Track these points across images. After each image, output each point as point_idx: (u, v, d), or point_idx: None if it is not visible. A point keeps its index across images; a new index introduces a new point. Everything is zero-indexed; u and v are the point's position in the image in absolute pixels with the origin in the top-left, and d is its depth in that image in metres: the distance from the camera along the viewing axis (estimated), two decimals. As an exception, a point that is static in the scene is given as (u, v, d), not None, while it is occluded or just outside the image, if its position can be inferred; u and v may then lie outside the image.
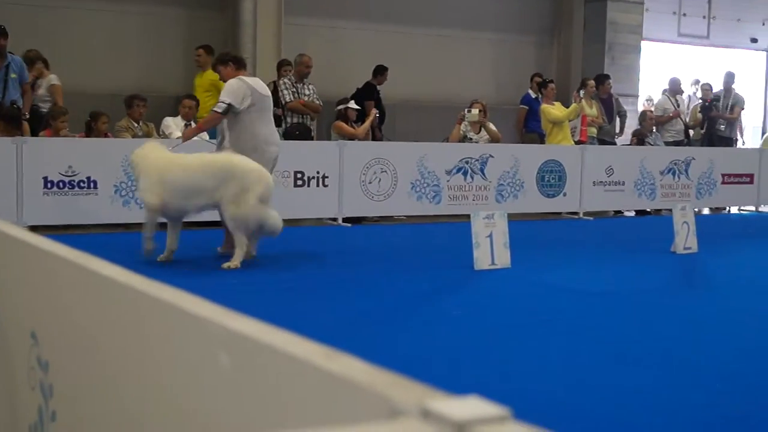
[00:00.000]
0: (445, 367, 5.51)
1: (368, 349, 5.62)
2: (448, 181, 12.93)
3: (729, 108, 17.11)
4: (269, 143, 9.19)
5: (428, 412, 1.15)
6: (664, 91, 17.14)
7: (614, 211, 14.97)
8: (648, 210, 15.12)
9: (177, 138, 10.92)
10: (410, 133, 15.25)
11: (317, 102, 13.47)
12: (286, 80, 13.33)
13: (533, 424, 1.12)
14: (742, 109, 17.49)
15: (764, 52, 21.97)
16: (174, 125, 12.24)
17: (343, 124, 13.22)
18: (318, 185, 12.15)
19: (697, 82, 17.88)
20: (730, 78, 17.37)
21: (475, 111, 13.84)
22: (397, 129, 15.55)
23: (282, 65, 13.77)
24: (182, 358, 1.73)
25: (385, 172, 12.54)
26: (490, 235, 8.99)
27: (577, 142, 14.70)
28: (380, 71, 14.64)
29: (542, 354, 5.91)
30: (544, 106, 14.48)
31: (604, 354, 5.95)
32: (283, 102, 13.09)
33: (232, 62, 9.34)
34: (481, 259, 8.90)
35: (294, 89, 13.24)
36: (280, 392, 1.44)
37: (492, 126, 13.90)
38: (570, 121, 14.54)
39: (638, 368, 5.61)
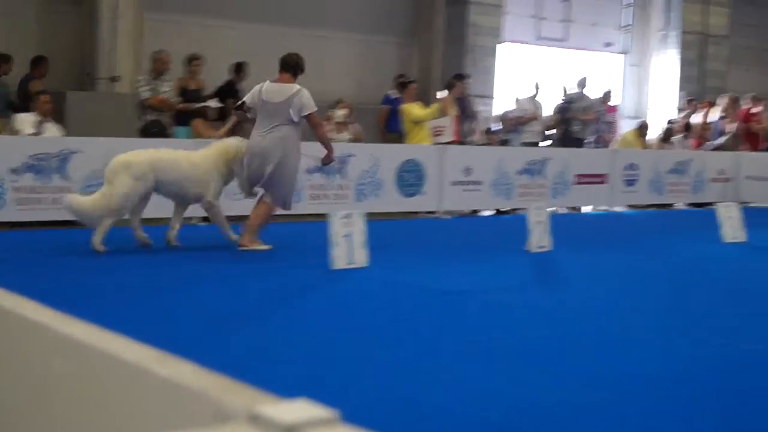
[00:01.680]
0: (299, 368, 5.51)
1: (217, 351, 5.61)
2: (308, 180, 12.92)
3: (584, 110, 17.52)
4: (253, 139, 10.03)
5: (256, 416, 1.16)
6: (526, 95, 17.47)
7: (472, 210, 15.19)
8: (505, 209, 15.38)
9: (30, 134, 10.75)
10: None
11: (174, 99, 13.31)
12: (143, 77, 13.14)
13: (373, 424, 1.14)
14: (596, 111, 17.94)
15: (621, 55, 22.57)
16: (27, 121, 11.91)
17: (200, 124, 13.06)
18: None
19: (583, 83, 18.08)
20: (583, 81, 17.80)
21: (342, 111, 13.89)
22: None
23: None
24: (17, 363, 1.71)
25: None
26: (349, 235, 9.02)
27: (448, 143, 14.89)
28: (241, 68, 14.53)
29: (398, 353, 5.95)
30: (406, 106, 14.61)
31: (458, 352, 6.03)
32: (141, 99, 12.90)
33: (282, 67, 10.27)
34: (339, 259, 8.92)
35: (152, 86, 13.04)
36: (111, 397, 1.43)
37: (357, 126, 13.98)
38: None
39: (491, 365, 5.70)
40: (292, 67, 10.21)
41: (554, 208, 15.61)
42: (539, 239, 10.67)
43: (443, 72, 18.17)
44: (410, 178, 13.97)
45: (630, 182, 16.74)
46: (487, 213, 15.34)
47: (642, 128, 18.08)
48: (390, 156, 13.82)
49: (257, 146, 9.93)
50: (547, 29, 20.91)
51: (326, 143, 10.46)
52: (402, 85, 15.19)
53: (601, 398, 5.13)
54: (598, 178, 16.29)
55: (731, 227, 12.30)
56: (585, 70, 19.13)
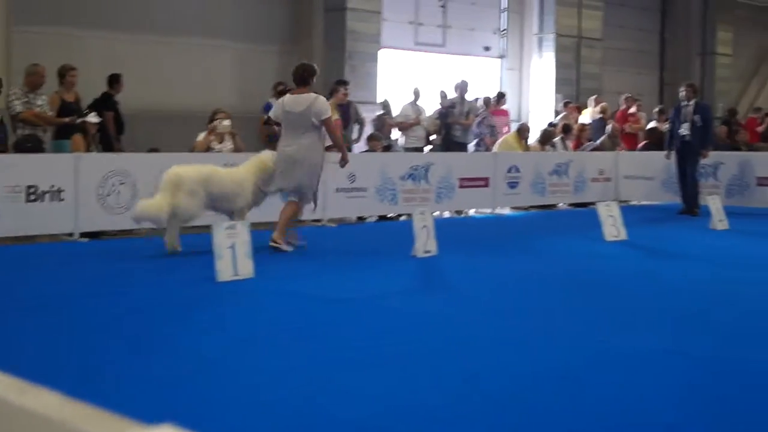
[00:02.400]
0: (183, 382, 5.40)
1: (91, 377, 5.46)
2: (191, 191, 12.70)
3: (465, 115, 17.66)
4: (282, 151, 11.10)
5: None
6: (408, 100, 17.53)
7: (357, 217, 15.17)
8: (390, 215, 15.40)
9: None
10: (151, 144, 14.92)
11: (50, 113, 12.97)
12: (17, 90, 12.76)
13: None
14: (476, 115, 18.12)
15: (498, 60, 22.84)
16: None
17: (79, 139, 12.74)
18: (53, 200, 11.68)
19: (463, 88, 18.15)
20: (463, 86, 17.94)
21: (227, 122, 13.77)
22: (138, 139, 15.17)
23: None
24: None
25: (125, 184, 12.22)
26: (233, 246, 8.91)
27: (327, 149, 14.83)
28: (115, 79, 14.27)
29: (285, 363, 5.89)
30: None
31: (346, 359, 5.99)
32: (14, 113, 12.53)
33: (294, 81, 11.37)
34: (224, 271, 8.80)
35: (26, 99, 12.68)
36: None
37: (238, 138, 13.87)
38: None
39: (378, 371, 5.67)
40: (302, 78, 11.19)
41: (439, 213, 15.72)
42: (425, 244, 10.69)
43: (324, 79, 18.10)
44: (294, 186, 13.86)
45: (512, 185, 16.93)
46: (372, 219, 15.32)
47: (522, 131, 18.30)
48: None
49: (287, 155, 11.02)
50: (425, 35, 21.05)
51: (340, 146, 11.68)
52: (281, 93, 15.06)
53: (487, 399, 5.15)
54: (481, 182, 16.43)
55: (612, 226, 12.52)
56: (464, 75, 19.30)
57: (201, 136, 13.76)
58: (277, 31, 18.59)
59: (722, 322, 7.41)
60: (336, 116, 15.16)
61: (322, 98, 11.19)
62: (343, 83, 16.23)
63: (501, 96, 19.22)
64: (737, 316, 7.67)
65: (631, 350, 6.35)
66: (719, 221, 14.11)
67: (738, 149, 20.26)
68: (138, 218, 10.66)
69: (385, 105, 17.80)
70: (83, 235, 11.95)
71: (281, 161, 11.04)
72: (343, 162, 11.72)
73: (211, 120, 13.86)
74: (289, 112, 11.01)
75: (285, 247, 11.00)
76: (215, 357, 6.05)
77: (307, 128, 10.95)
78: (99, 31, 16.25)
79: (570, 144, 19.19)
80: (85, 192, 11.89)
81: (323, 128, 11.14)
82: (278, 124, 11.52)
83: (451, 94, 17.86)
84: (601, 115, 20.28)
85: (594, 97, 21.52)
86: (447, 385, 5.43)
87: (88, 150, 12.87)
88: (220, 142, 13.75)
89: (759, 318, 7.60)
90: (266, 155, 11.38)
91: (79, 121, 12.89)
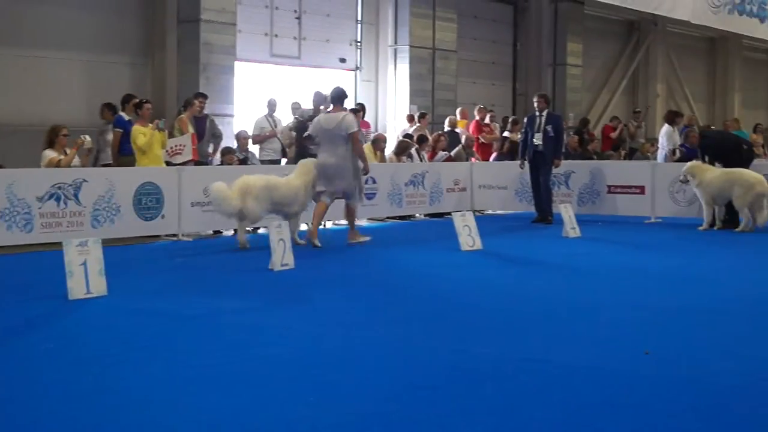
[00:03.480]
0: (33, 406, 5.24)
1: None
2: (40, 208, 12.38)
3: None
4: (320, 163, 13.03)
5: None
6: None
7: (213, 231, 14.99)
8: (248, 228, 15.22)
9: None
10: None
11: None
12: None
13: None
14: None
15: (354, 71, 22.90)
16: None
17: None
18: None
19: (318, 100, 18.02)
20: (319, 97, 17.91)
21: (90, 138, 13.53)
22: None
23: None
24: None
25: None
26: (84, 263, 8.71)
27: (186, 162, 14.67)
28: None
29: (134, 382, 5.78)
30: (134, 128, 14.28)
31: (197, 376, 5.91)
32: None
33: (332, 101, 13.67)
34: (76, 289, 8.60)
35: None
36: None
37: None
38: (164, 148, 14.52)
39: (231, 388, 5.61)
40: (339, 99, 13.37)
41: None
42: (282, 257, 10.64)
43: (179, 91, 17.89)
44: (148, 201, 13.64)
45: (369, 196, 16.97)
46: (229, 233, 15.15)
47: (377, 142, 18.35)
48: (126, 179, 13.43)
49: (329, 164, 12.96)
50: (281, 47, 20.98)
51: (362, 157, 13.39)
52: (136, 106, 14.80)
53: (346, 412, 5.15)
54: (338, 193, 16.38)
55: (468, 236, 12.66)
56: (320, 87, 19.29)
57: (52, 154, 13.43)
58: (129, 42, 18.25)
59: (575, 330, 7.55)
60: (191, 130, 15.03)
61: (350, 116, 13.27)
62: (201, 96, 16.07)
63: (360, 109, 19.22)
64: (589, 324, 7.83)
65: (488, 359, 6.43)
66: (571, 229, 14.43)
67: (589, 158, 20.77)
68: (213, 196, 12.56)
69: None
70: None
71: (325, 170, 12.94)
72: (365, 171, 13.58)
73: (52, 136, 13.50)
74: (326, 129, 13.01)
75: (363, 239, 13.45)
76: (60, 378, 5.88)
77: (341, 141, 12.93)
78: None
79: (426, 155, 19.36)
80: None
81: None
82: (314, 139, 13.41)
83: (307, 107, 17.82)
84: (450, 128, 20.57)
85: (459, 109, 21.82)
86: (304, 399, 5.40)
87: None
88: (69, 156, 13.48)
89: (611, 327, 7.78)
90: (310, 163, 13.16)
91: None
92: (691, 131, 17.73)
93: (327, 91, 18.29)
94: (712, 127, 25.09)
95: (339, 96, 13.41)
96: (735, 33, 32.17)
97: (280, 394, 5.50)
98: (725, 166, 15.52)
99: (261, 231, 14.87)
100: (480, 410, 5.22)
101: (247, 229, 13.37)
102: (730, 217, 15.56)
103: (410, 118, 20.96)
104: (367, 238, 13.59)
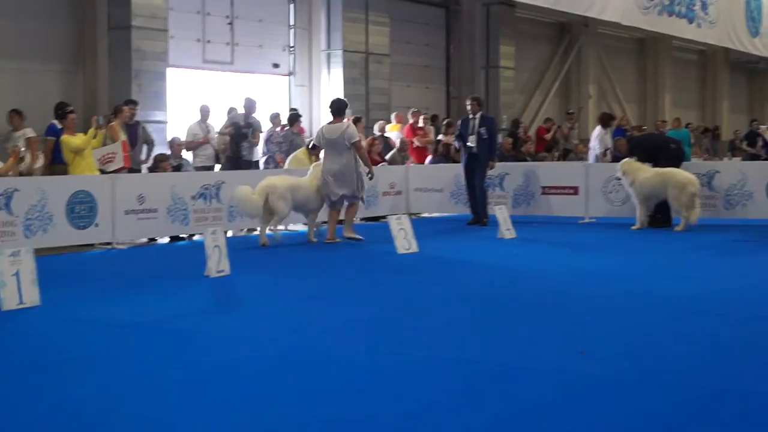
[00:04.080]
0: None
1: None
2: (-31, 219, 12.21)
3: (252, 132, 17.57)
4: (326, 170, 14.06)
5: None
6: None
7: (148, 238, 14.88)
8: (182, 236, 15.16)
9: None
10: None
11: None
12: None
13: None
14: (261, 132, 18.08)
15: (286, 77, 22.85)
16: None
17: None
18: None
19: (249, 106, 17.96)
20: (250, 104, 17.89)
21: (25, 147, 13.39)
22: None
23: None
24: None
25: None
26: (17, 273, 8.61)
27: (119, 170, 14.55)
28: None
29: (75, 391, 5.73)
30: (64, 137, 14.13)
31: (138, 385, 5.87)
32: None
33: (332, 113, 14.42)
34: (9, 300, 8.50)
35: None
36: None
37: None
38: (95, 149, 14.38)
39: (168, 396, 5.59)
40: (339, 110, 14.25)
41: (231, 232, 15.60)
42: (218, 264, 10.59)
43: (110, 98, 17.72)
44: (81, 209, 13.49)
45: (305, 201, 16.92)
46: (164, 240, 15.06)
47: (312, 147, 18.27)
48: (58, 188, 13.27)
49: (335, 171, 13.98)
50: (214, 53, 20.87)
51: (367, 163, 14.34)
52: (62, 114, 14.63)
53: (284, 416, 5.16)
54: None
55: (404, 239, 12.70)
56: (253, 93, 19.23)
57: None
58: (60, 50, 18.05)
59: (511, 331, 7.62)
60: (123, 137, 14.91)
61: (352, 126, 14.40)
62: (131, 103, 15.94)
63: (296, 116, 19.15)
64: (524, 324, 7.91)
65: (424, 361, 6.46)
66: (507, 230, 14.53)
67: (524, 160, 20.93)
68: (237, 199, 13.88)
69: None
70: None
71: (330, 176, 13.97)
72: (371, 175, 14.35)
73: None
74: (329, 139, 14.03)
75: (356, 236, 14.30)
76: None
77: (343, 150, 13.93)
78: None
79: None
80: None
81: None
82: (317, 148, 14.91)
83: (240, 112, 17.77)
84: (380, 133, 20.61)
85: (395, 113, 21.86)
86: (241, 405, 5.39)
87: None
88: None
89: (547, 326, 7.85)
90: (319, 166, 14.27)
91: None
92: (619, 140, 17.88)
93: (258, 97, 18.39)
94: (644, 128, 25.47)
95: (339, 108, 14.32)
96: (664, 34, 32.62)
97: (217, 401, 5.48)
98: (654, 166, 15.72)
99: (195, 238, 14.80)
100: (417, 412, 5.25)
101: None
102: (662, 215, 15.79)
103: (357, 122, 20.81)
104: (361, 238, 14.26)
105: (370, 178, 14.52)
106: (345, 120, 14.52)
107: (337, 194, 14.04)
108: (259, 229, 14.12)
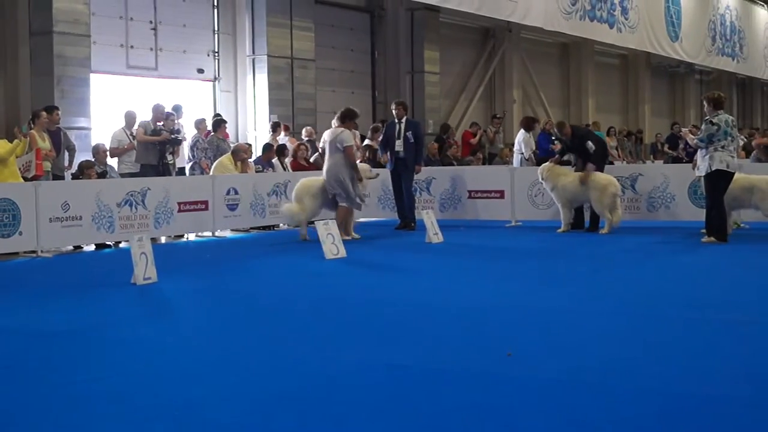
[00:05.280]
0: None
1: None
2: None
3: (175, 139, 17.41)
4: (324, 171, 15.30)
5: None
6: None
7: (74, 246, 14.70)
8: (108, 243, 15.01)
9: None
10: None
11: None
12: None
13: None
14: (184, 139, 18.00)
15: (211, 82, 22.72)
16: None
17: None
18: None
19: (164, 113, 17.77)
20: (177, 111, 17.80)
21: None
22: None
23: None
24: None
25: None
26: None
27: (33, 178, 14.32)
28: None
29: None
30: (-12, 143, 13.95)
31: (62, 395, 5.81)
32: None
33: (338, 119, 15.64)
34: (-71, 310, 8.35)
35: None
36: None
37: None
38: (18, 157, 14.17)
39: (91, 406, 5.55)
40: (343, 117, 15.42)
41: (158, 238, 15.48)
42: (144, 271, 10.50)
43: (32, 104, 17.47)
44: (5, 217, 13.30)
45: (232, 207, 16.88)
46: (90, 248, 14.89)
47: (237, 152, 18.17)
48: (-20, 196, 13.09)
49: (326, 170, 15.18)
50: (137, 58, 20.68)
51: (355, 168, 15.32)
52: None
53: (210, 427, 5.14)
54: (201, 205, 16.29)
55: (332, 244, 12.71)
56: (178, 98, 19.10)
57: None
58: (-20, 55, 17.79)
59: (439, 334, 7.66)
60: (43, 144, 14.72)
61: (346, 131, 15.25)
62: (52, 108, 15.74)
63: (220, 122, 19.06)
64: (452, 328, 7.96)
65: (355, 366, 6.47)
66: (434, 234, 14.61)
67: (450, 164, 21.04)
68: (285, 216, 15.82)
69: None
70: None
71: (326, 174, 15.17)
72: (359, 179, 15.24)
73: None
74: (327, 141, 15.34)
75: (354, 236, 15.30)
76: None
77: (337, 152, 15.05)
78: None
79: (289, 163, 19.36)
80: None
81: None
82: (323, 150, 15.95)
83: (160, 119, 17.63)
84: (307, 138, 20.64)
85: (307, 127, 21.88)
86: (166, 415, 5.36)
87: None
88: None
89: (474, 330, 7.91)
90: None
91: None
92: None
93: (183, 103, 18.28)
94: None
95: (344, 114, 15.46)
96: (587, 38, 33.02)
97: (144, 410, 5.44)
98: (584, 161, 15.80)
99: (122, 245, 14.67)
100: (347, 417, 5.26)
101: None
102: (577, 221, 16.03)
103: (276, 128, 20.76)
104: (357, 237, 15.36)
105: (359, 181, 15.29)
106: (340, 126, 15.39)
107: (331, 193, 15.16)
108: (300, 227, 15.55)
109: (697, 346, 7.02)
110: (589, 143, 15.77)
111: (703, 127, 13.83)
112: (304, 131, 20.99)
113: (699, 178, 14.71)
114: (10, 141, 14.35)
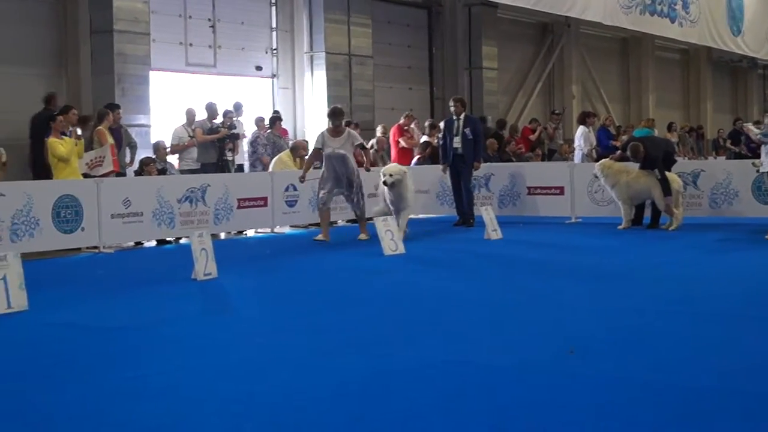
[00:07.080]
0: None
1: None
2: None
3: (236, 135, 17.54)
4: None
5: None
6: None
7: (135, 242, 14.83)
8: (168, 239, 15.13)
9: None
10: None
11: None
12: None
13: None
14: (244, 137, 18.12)
15: (269, 79, 22.81)
16: None
17: None
18: None
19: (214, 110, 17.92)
20: (237, 109, 17.90)
21: (4, 151, 13.38)
22: None
23: None
24: None
25: None
26: (4, 278, 8.57)
27: (108, 173, 14.54)
28: None
29: (63, 396, 5.71)
30: (50, 140, 14.07)
31: (125, 389, 5.85)
32: None
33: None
34: (-4, 305, 8.46)
35: None
36: None
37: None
38: (80, 158, 14.37)
39: (154, 400, 5.58)
40: (337, 115, 15.04)
41: (218, 234, 15.57)
42: (205, 267, 10.56)
43: (94, 103, 17.64)
44: (67, 214, 13.45)
45: (291, 203, 16.93)
46: (150, 244, 15.02)
47: (296, 149, 18.23)
48: (44, 193, 13.24)
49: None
50: (196, 55, 20.81)
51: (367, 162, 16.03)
52: (50, 118, 14.58)
53: (268, 421, 5.15)
54: (260, 201, 16.37)
55: (390, 240, 12.69)
56: (237, 96, 19.18)
57: None
58: (43, 54, 17.96)
59: (498, 331, 7.62)
60: (111, 141, 14.88)
61: (353, 131, 15.39)
62: (114, 107, 15.90)
63: (276, 119, 19.13)
64: (512, 324, 7.91)
65: (411, 362, 6.44)
66: (493, 231, 14.53)
67: (509, 160, 20.93)
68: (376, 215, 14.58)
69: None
70: None
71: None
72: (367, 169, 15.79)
73: None
74: (332, 148, 14.87)
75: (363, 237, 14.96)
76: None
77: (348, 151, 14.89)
78: None
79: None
80: None
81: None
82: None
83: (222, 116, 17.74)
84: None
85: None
86: (226, 409, 5.37)
87: None
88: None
89: (534, 326, 7.85)
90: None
91: None
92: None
93: (242, 100, 18.35)
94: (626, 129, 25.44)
95: (336, 113, 15.04)
96: (647, 33, 32.68)
97: (203, 405, 5.47)
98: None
99: (182, 241, 14.77)
100: (404, 413, 5.22)
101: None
102: (637, 217, 15.81)
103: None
104: (366, 237, 14.75)
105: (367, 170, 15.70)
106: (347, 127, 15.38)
107: (341, 192, 15.22)
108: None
109: (761, 345, 6.89)
110: (656, 172, 15.24)
111: (766, 121, 13.60)
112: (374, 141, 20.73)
113: (763, 174, 14.48)
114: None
